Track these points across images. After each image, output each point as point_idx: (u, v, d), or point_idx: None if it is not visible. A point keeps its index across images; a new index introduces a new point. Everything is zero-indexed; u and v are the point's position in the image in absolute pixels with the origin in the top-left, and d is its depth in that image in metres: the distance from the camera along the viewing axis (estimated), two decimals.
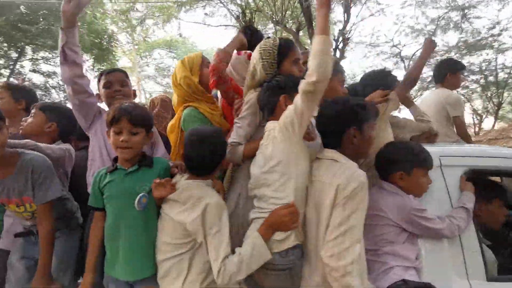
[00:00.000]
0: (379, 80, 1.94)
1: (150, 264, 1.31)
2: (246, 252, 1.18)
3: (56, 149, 1.61)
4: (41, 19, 7.62)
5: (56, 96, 11.47)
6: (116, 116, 1.31)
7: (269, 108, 1.40)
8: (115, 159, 1.41)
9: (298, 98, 1.23)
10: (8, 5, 7.00)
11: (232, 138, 1.48)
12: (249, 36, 2.00)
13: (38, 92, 11.24)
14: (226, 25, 10.46)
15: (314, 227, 1.25)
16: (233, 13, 9.29)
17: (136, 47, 15.22)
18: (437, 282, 1.39)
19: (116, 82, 1.70)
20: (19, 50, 8.75)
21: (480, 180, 1.82)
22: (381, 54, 14.22)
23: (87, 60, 12.67)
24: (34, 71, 10.40)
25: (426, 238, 1.45)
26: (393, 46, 13.39)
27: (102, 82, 1.71)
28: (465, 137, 2.76)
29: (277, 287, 1.25)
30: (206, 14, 9.97)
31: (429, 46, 1.89)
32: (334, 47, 8.23)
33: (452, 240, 1.46)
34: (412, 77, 1.84)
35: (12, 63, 9.07)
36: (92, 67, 13.22)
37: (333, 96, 1.41)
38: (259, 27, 11.72)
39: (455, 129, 2.78)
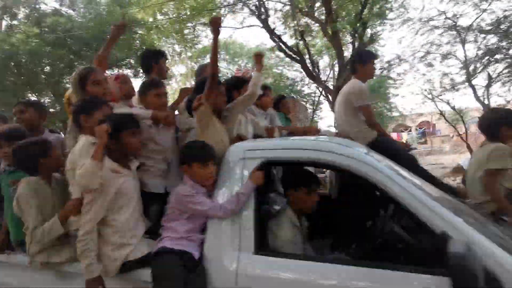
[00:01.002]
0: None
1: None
2: (47, 226, 1.76)
3: None
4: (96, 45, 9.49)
5: None
6: None
7: (78, 126, 1.88)
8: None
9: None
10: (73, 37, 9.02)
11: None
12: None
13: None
14: (250, 25, 10.93)
15: None
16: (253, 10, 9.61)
17: (188, 54, 16.76)
18: (214, 251, 1.74)
19: (17, 112, 2.48)
20: None
21: (295, 171, 2.03)
22: (434, 29, 12.76)
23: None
24: None
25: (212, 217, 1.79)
26: (446, 18, 11.88)
27: None
28: (372, 126, 2.77)
29: None
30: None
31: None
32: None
33: (235, 219, 1.76)
34: (209, 73, 1.96)
35: None
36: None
37: None
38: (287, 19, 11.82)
39: (363, 118, 2.81)
